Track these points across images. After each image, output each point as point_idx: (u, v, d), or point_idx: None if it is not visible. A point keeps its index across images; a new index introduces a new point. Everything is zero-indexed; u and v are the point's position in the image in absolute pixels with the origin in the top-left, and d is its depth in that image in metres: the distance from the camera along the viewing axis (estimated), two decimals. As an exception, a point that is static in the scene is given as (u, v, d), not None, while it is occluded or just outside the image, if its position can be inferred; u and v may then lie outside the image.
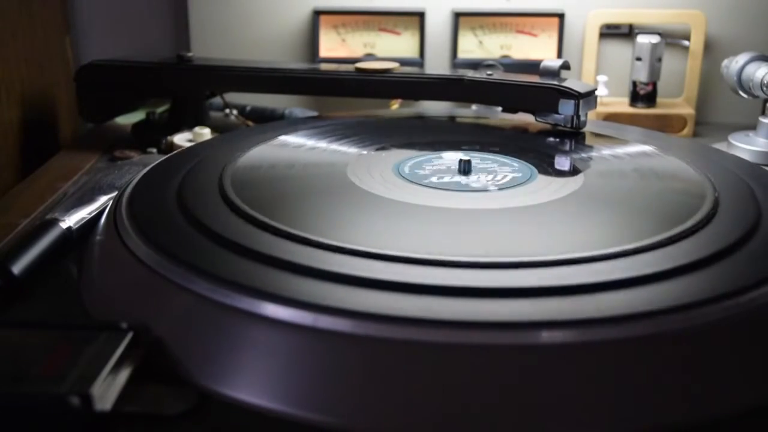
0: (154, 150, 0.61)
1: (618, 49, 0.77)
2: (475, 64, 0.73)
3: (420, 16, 0.76)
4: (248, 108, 0.71)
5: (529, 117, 0.56)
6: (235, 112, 0.69)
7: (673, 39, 0.75)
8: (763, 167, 0.48)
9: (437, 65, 0.78)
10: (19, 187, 0.54)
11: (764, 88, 0.58)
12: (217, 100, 0.68)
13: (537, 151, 0.49)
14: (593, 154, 0.50)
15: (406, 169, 0.45)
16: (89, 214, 0.43)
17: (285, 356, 0.28)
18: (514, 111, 0.58)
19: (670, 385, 0.28)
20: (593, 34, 0.75)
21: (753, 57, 0.61)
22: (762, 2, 0.74)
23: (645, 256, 0.33)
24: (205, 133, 0.60)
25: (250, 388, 0.28)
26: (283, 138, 0.51)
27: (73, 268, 0.40)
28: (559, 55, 0.76)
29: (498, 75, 0.58)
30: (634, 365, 0.28)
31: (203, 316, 0.30)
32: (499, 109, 0.60)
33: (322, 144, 0.50)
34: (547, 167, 0.46)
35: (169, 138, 0.61)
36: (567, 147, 0.51)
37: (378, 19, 0.77)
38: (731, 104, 0.76)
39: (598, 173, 0.45)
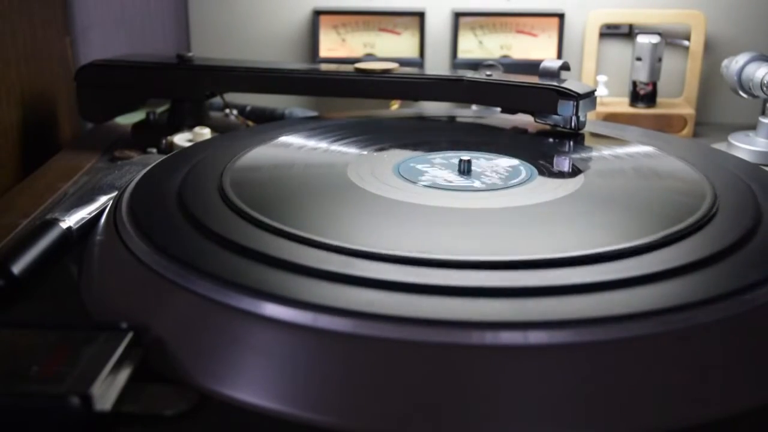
0: (154, 150, 0.61)
1: (618, 49, 0.77)
2: (475, 65, 0.73)
3: (420, 16, 0.76)
4: (248, 108, 0.71)
5: (528, 117, 0.56)
6: (235, 112, 0.69)
7: (673, 39, 0.75)
8: (763, 167, 0.48)
9: (437, 65, 0.78)
10: (19, 187, 0.54)
11: (764, 88, 0.58)
12: (217, 100, 0.68)
13: (537, 151, 0.49)
14: (593, 154, 0.50)
15: (406, 169, 0.45)
16: (89, 214, 0.43)
17: (285, 356, 0.28)
18: (514, 111, 0.58)
19: (670, 385, 0.28)
20: (593, 34, 0.75)
21: (753, 57, 0.61)
22: (762, 2, 0.74)
23: (645, 256, 0.33)
24: (205, 133, 0.60)
25: (250, 388, 0.28)
26: (283, 138, 0.51)
27: (73, 268, 0.40)
28: (559, 55, 0.76)
29: (498, 75, 0.58)
30: (634, 365, 0.28)
31: (203, 316, 0.30)
32: (499, 109, 0.60)
33: (322, 144, 0.50)
34: (547, 167, 0.46)
35: (169, 138, 0.61)
36: (567, 147, 0.51)
37: (378, 19, 0.77)
38: (731, 104, 0.76)
39: (598, 173, 0.45)
